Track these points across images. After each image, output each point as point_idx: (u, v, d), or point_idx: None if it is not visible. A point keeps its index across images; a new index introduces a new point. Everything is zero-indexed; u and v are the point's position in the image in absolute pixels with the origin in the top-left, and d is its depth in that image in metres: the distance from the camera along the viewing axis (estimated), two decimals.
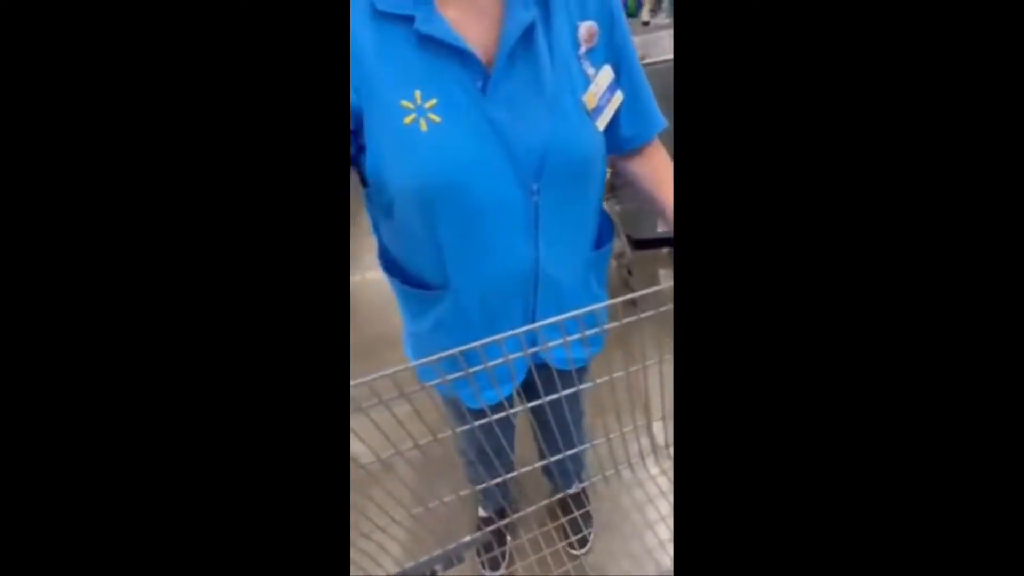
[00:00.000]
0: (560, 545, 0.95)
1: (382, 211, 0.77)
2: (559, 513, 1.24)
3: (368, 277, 2.42)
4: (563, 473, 1.26)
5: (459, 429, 0.76)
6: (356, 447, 0.62)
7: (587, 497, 1.40)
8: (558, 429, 0.85)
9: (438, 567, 0.81)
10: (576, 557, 1.34)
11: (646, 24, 2.13)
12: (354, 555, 0.75)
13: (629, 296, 0.65)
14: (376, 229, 0.83)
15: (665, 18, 2.13)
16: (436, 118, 0.65)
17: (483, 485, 0.87)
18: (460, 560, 0.84)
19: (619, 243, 2.02)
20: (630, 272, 2.08)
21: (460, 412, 0.93)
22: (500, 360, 0.63)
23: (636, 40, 1.86)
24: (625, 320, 0.65)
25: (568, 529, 1.29)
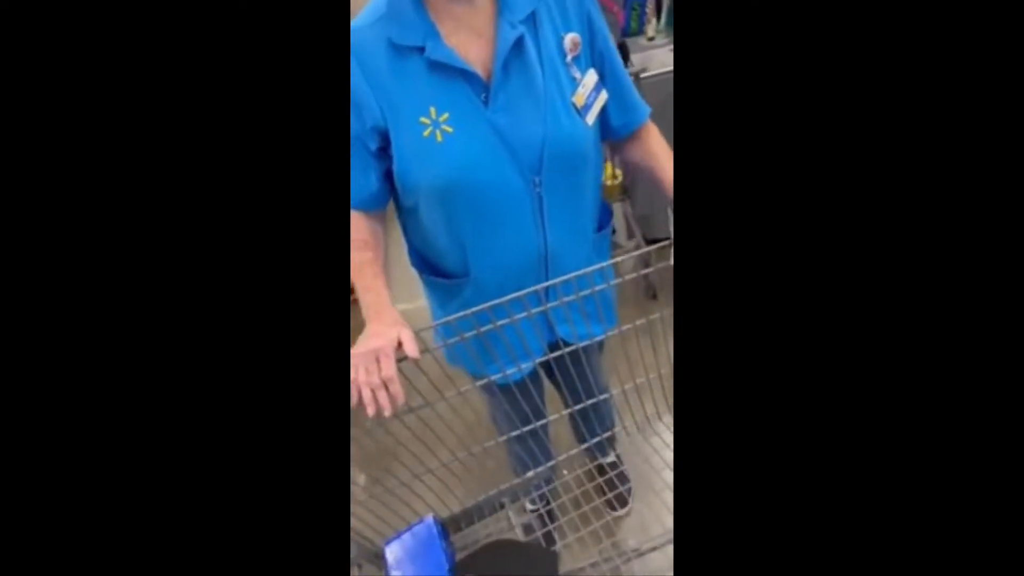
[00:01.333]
0: (596, 503, 1.05)
1: (409, 213, 0.92)
2: (594, 494, 1.34)
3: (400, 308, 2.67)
4: (593, 436, 1.37)
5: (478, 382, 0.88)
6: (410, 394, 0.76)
7: (622, 468, 1.51)
8: (583, 392, 0.97)
9: (505, 500, 0.95)
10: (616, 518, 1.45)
11: (651, 39, 2.28)
12: (410, 497, 0.88)
13: (638, 252, 0.79)
14: (405, 232, 0.99)
15: (663, 38, 2.29)
16: (449, 129, 0.80)
17: (509, 434, 0.99)
18: (526, 494, 0.96)
19: (635, 242, 2.18)
20: (647, 264, 2.24)
21: (491, 389, 1.06)
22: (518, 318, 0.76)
23: (639, 56, 2.01)
24: (628, 276, 0.77)
25: (605, 490, 1.40)
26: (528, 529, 1.00)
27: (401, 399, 0.73)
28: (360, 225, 0.87)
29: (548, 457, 1.12)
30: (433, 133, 0.80)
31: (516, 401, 1.01)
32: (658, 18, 2.35)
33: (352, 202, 0.87)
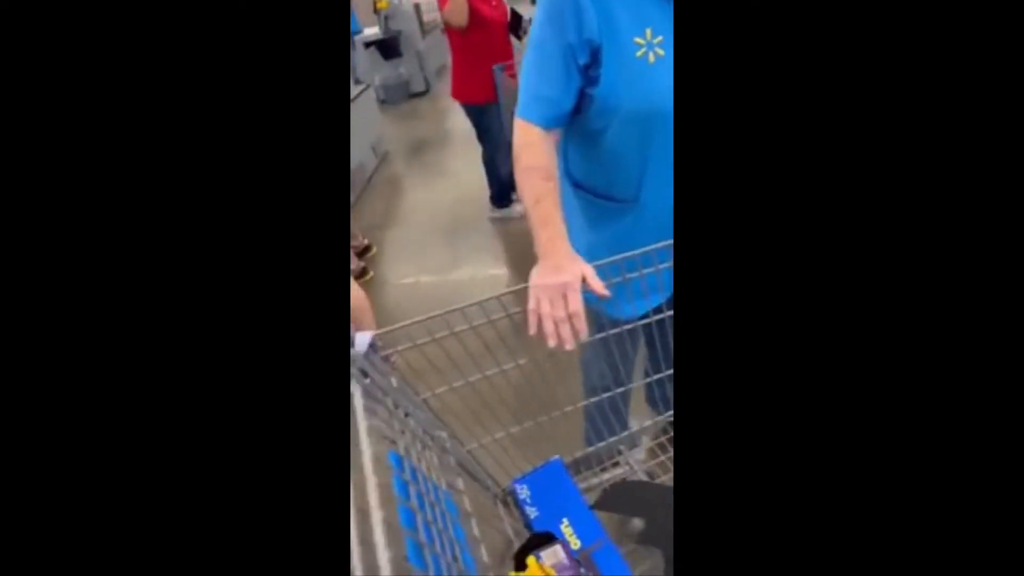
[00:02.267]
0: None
1: (591, 136, 0.90)
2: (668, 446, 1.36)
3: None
4: (664, 399, 1.39)
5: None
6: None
7: None
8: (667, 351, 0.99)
9: (623, 447, 0.96)
10: None
11: None
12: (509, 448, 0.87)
13: None
14: (566, 157, 0.99)
15: None
16: (661, 52, 0.80)
17: (603, 396, 0.99)
18: (639, 443, 0.97)
19: None
20: None
21: (599, 324, 1.04)
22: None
23: None
24: None
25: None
26: (652, 475, 1.01)
27: (584, 334, 0.71)
28: (546, 148, 0.85)
29: (622, 421, 1.12)
30: (646, 54, 0.80)
31: (624, 344, 1.00)
32: None
33: (542, 120, 0.85)
